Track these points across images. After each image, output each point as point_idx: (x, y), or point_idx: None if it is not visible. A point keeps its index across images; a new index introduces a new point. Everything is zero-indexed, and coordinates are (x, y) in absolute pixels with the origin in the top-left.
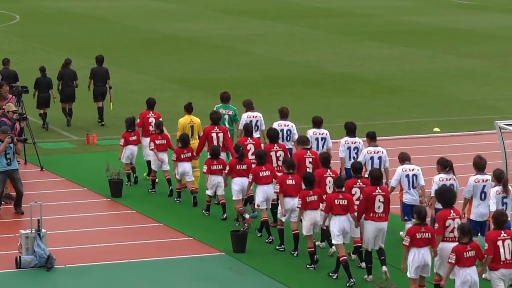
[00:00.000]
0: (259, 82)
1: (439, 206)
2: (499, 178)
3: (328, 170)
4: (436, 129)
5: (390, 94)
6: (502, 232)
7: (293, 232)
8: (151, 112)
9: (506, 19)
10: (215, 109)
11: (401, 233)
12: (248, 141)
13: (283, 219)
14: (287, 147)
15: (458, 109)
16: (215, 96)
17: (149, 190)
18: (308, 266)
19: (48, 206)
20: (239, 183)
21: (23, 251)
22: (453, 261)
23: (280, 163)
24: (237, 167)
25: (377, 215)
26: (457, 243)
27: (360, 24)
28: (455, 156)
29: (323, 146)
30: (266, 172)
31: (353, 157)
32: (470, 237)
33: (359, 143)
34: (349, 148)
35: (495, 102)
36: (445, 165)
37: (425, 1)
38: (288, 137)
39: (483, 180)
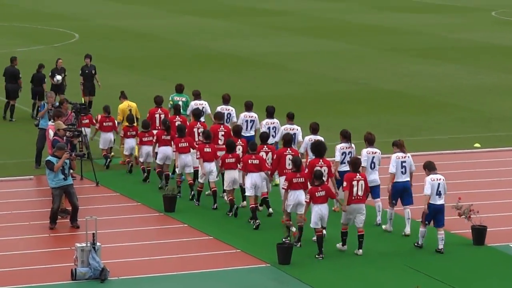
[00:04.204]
0: (308, 99)
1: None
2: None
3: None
4: (476, 144)
5: (435, 110)
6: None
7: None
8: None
9: None
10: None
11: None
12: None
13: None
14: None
15: (500, 125)
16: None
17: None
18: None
19: (103, 220)
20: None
21: (79, 264)
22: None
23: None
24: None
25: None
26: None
27: (408, 41)
28: (495, 171)
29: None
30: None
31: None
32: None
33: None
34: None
35: None
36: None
37: (473, 18)
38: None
39: (373, 152)
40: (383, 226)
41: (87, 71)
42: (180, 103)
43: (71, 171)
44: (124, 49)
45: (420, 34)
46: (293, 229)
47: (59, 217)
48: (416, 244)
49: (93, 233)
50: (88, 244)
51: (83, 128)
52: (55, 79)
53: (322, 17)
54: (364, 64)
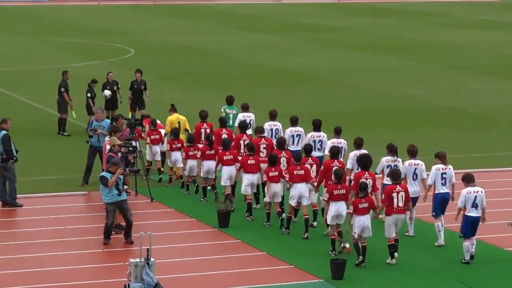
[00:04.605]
0: (365, 115)
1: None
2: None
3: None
4: None
5: (492, 127)
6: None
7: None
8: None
9: None
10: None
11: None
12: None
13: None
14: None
15: None
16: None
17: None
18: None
19: (157, 236)
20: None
21: (132, 279)
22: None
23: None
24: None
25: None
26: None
27: (467, 58)
28: None
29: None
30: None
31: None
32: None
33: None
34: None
35: None
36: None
37: None
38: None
39: (415, 164)
40: (436, 243)
41: (136, 86)
42: (231, 115)
43: (126, 186)
44: (179, 65)
45: (479, 51)
46: (347, 245)
47: (113, 232)
48: (463, 261)
49: (147, 249)
50: (142, 260)
51: (138, 144)
52: (103, 94)
53: (381, 34)
54: (421, 80)
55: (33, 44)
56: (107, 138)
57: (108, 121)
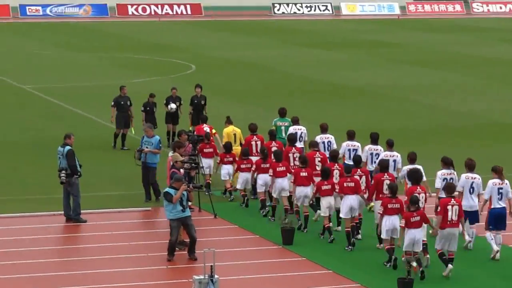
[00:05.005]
0: (427, 131)
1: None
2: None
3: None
4: None
5: None
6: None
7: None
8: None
9: None
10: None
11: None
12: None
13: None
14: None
15: None
16: (382, 145)
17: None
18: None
19: (220, 252)
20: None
21: None
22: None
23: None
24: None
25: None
26: None
27: None
28: None
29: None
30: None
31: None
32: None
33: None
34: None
35: None
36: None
37: None
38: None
39: (472, 178)
40: (491, 255)
41: (196, 101)
42: (283, 128)
43: (189, 203)
44: (239, 81)
45: None
46: (414, 264)
47: (177, 249)
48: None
49: (211, 266)
50: (206, 277)
51: (200, 159)
52: (169, 107)
53: (440, 49)
54: (480, 96)
55: (93, 60)
56: (170, 154)
57: (158, 137)
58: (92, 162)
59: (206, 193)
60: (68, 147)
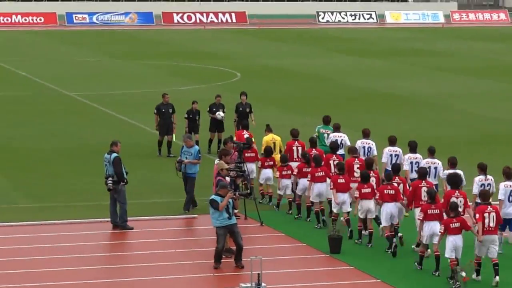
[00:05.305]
0: (474, 140)
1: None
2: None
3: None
4: None
5: None
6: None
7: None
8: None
9: None
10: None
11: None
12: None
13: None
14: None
15: None
16: (424, 153)
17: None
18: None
19: (267, 260)
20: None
21: None
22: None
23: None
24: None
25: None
26: None
27: None
28: None
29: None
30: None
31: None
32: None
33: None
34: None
35: None
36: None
37: None
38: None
39: (510, 186)
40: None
41: (241, 108)
42: (325, 135)
43: (235, 210)
44: (283, 89)
45: None
46: (463, 274)
47: (223, 256)
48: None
49: (258, 273)
50: (253, 284)
51: (246, 166)
52: (217, 114)
53: (486, 57)
54: None
55: (139, 68)
56: (216, 161)
57: (197, 147)
58: (139, 169)
59: (251, 198)
60: (114, 154)
